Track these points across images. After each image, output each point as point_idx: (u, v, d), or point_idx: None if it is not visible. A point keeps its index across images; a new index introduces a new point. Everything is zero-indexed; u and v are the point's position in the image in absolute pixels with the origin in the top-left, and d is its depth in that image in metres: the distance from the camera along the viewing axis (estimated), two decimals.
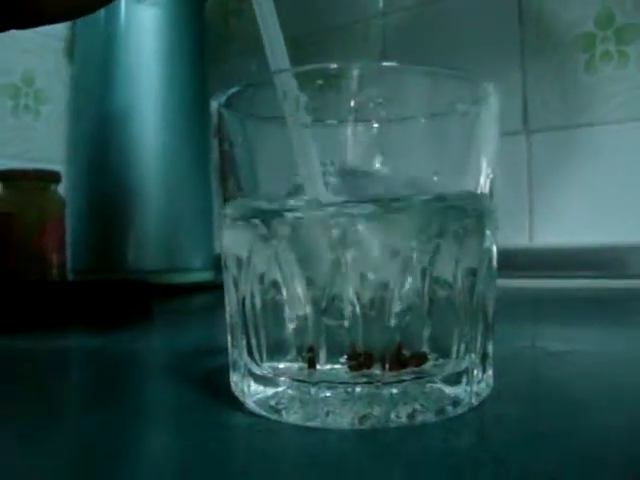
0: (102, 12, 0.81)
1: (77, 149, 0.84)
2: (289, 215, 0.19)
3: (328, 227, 0.19)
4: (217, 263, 0.79)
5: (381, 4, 0.88)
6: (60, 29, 0.90)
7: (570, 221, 0.73)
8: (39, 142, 0.89)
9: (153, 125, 0.79)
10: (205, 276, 0.81)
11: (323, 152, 0.20)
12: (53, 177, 0.69)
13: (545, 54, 0.76)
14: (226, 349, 0.24)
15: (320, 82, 0.19)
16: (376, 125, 0.19)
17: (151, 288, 0.60)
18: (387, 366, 0.20)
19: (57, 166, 0.83)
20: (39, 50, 0.87)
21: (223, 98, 0.21)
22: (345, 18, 0.91)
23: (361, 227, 0.19)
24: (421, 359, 0.21)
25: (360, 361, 0.20)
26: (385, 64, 0.19)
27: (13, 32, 0.33)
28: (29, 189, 0.66)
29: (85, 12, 0.33)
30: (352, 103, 0.18)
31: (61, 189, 0.74)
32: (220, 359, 0.30)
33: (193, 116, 0.83)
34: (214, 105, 0.21)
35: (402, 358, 0.20)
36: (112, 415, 0.22)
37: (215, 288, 0.79)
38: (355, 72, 0.19)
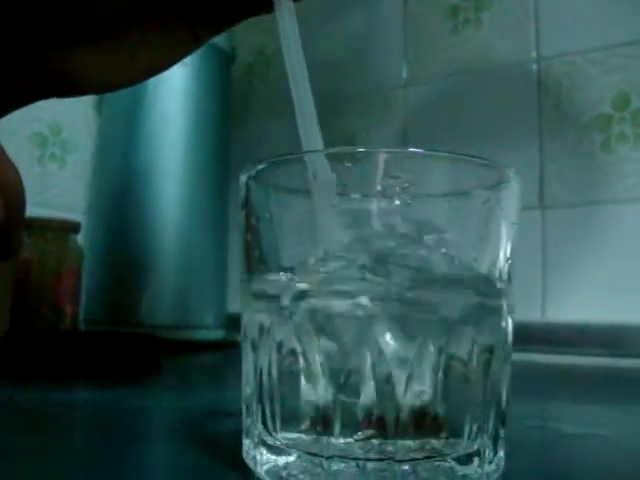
0: None
1: (99, 200, 0.85)
2: (310, 292, 0.20)
3: (347, 308, 0.19)
4: (229, 321, 0.79)
5: (404, 75, 0.91)
6: None
7: (583, 298, 0.73)
8: (62, 191, 0.91)
9: (174, 182, 0.81)
10: (216, 334, 0.82)
11: (346, 228, 0.20)
12: (73, 227, 0.70)
13: (563, 132, 0.77)
14: (236, 412, 0.24)
15: (348, 164, 0.20)
16: (399, 206, 0.20)
17: (162, 344, 0.60)
18: (399, 441, 0.20)
19: (78, 215, 0.85)
20: (68, 101, 0.90)
21: (252, 172, 0.22)
22: (367, 87, 0.94)
23: (380, 309, 0.19)
24: (437, 426, 0.21)
25: (372, 432, 0.20)
26: (411, 150, 0.20)
27: None
28: (49, 238, 0.67)
29: (127, 86, 0.34)
30: (378, 186, 0.19)
31: (80, 239, 0.76)
32: (230, 423, 0.30)
33: (214, 176, 0.85)
34: (243, 179, 0.22)
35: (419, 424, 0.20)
36: (116, 476, 0.22)
37: (226, 347, 0.79)
38: (382, 156, 0.20)
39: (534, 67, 0.80)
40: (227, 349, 0.78)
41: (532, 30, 0.81)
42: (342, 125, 0.94)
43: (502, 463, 0.23)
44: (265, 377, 0.22)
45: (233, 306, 0.87)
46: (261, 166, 0.21)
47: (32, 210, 0.78)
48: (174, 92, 0.83)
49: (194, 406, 0.39)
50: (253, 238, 0.21)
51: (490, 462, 0.22)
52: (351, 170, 0.20)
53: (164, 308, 0.78)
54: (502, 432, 0.23)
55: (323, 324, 0.20)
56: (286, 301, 0.20)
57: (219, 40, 0.87)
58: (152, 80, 0.87)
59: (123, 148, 0.83)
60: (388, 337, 0.20)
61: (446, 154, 0.20)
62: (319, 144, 0.22)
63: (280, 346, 0.21)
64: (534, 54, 0.81)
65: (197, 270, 0.81)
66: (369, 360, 0.20)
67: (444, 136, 0.83)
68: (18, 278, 0.63)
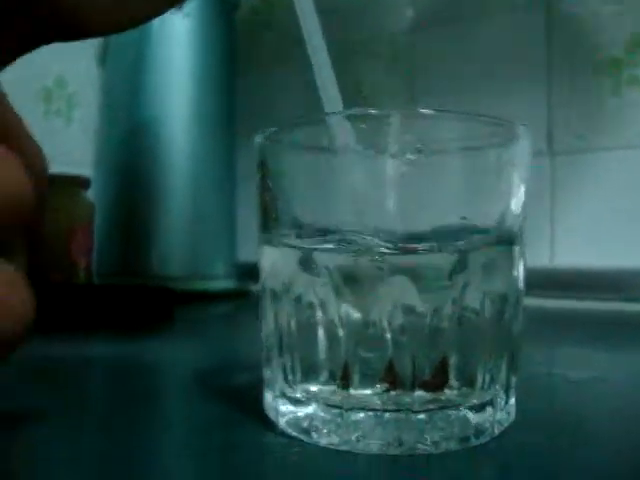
0: None
1: (106, 154, 0.85)
2: (328, 250, 0.20)
3: (365, 262, 0.20)
4: (239, 271, 0.80)
5: (410, 20, 0.89)
6: None
7: (591, 243, 0.74)
8: (70, 146, 0.91)
9: (181, 133, 0.81)
10: (227, 284, 0.83)
11: (361, 186, 0.21)
12: (83, 183, 0.71)
13: (572, 76, 0.76)
14: (253, 364, 0.25)
15: (363, 126, 0.20)
16: (413, 161, 0.20)
17: (175, 295, 0.61)
18: (415, 392, 0.21)
19: (86, 170, 0.85)
20: (72, 54, 0.89)
21: (268, 133, 0.22)
22: (372, 32, 0.92)
23: (396, 263, 0.20)
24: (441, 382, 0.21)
25: (389, 382, 0.21)
26: (423, 111, 0.20)
27: None
28: (60, 193, 0.67)
29: (122, 29, 0.34)
30: (393, 147, 0.20)
31: (90, 193, 0.76)
32: (249, 375, 0.31)
33: (220, 124, 0.85)
34: (258, 140, 0.22)
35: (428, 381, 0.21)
36: (135, 431, 0.23)
37: (237, 296, 0.80)
38: (395, 118, 0.20)
39: (543, 8, 0.79)
40: (239, 298, 0.79)
41: None
42: (347, 71, 0.92)
43: (513, 410, 0.23)
44: (285, 330, 0.22)
45: (243, 255, 0.88)
46: (276, 128, 0.22)
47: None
48: (177, 43, 0.82)
49: (211, 357, 0.40)
50: (269, 198, 0.22)
51: (502, 410, 0.23)
52: (365, 131, 0.20)
53: (175, 259, 0.79)
54: (513, 380, 0.24)
55: (341, 278, 0.20)
56: (304, 258, 0.21)
57: None
58: (155, 31, 0.85)
59: (128, 101, 0.83)
60: (404, 290, 0.20)
61: (458, 114, 0.20)
62: (339, 106, 0.22)
63: (299, 299, 0.22)
64: None
65: (207, 220, 0.82)
66: (386, 313, 0.21)
67: (451, 83, 0.82)
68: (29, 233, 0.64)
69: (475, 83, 0.80)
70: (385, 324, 0.21)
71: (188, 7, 0.83)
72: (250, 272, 0.89)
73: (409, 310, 0.21)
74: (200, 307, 0.71)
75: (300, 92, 0.89)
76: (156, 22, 0.80)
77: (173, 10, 0.83)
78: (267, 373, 0.24)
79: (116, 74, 0.86)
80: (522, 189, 0.22)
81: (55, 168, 0.79)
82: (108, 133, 0.86)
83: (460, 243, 0.21)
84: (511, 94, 0.77)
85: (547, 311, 0.66)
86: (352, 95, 0.78)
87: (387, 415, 0.20)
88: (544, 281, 0.72)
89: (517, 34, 0.80)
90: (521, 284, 0.24)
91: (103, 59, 0.91)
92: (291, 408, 0.22)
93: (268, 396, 0.24)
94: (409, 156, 0.20)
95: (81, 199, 0.70)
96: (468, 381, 0.22)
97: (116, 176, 0.83)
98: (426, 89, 0.86)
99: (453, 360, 0.22)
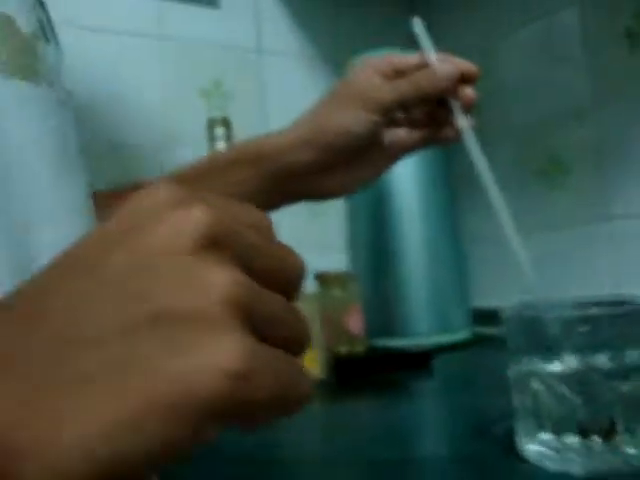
0: None
1: (358, 253, 1.10)
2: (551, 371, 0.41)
3: (574, 378, 0.40)
4: (474, 319, 1.00)
5: (590, 95, 1.03)
6: None
7: None
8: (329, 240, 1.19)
9: (416, 217, 1.02)
10: (467, 333, 1.02)
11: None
12: (351, 277, 0.96)
13: None
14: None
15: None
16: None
17: (430, 356, 0.82)
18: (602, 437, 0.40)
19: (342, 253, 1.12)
20: None
21: (511, 313, 0.43)
22: (558, 106, 1.08)
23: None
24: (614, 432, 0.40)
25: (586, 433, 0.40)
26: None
27: None
28: (337, 286, 0.93)
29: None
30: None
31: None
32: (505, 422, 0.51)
33: (449, 225, 1.06)
34: (507, 314, 0.43)
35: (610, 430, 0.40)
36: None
37: (477, 342, 0.99)
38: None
39: None
40: (479, 344, 0.97)
41: None
42: (544, 143, 1.09)
43: None
44: (527, 401, 0.43)
45: (477, 302, 1.07)
46: (520, 306, 0.43)
47: (308, 254, 1.06)
48: (405, 176, 1.04)
49: (473, 408, 0.60)
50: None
51: None
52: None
53: (423, 318, 1.00)
54: None
55: (555, 381, 0.40)
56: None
57: None
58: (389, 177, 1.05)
59: (371, 206, 1.07)
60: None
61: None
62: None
63: (535, 391, 0.42)
64: None
65: (445, 283, 1.02)
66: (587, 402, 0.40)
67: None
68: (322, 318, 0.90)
69: None
70: (584, 407, 0.40)
71: None
72: (483, 318, 1.06)
73: (594, 392, 0.40)
74: (449, 358, 0.88)
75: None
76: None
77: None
78: (517, 426, 0.44)
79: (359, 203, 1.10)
80: None
81: (320, 251, 1.08)
82: (358, 231, 1.10)
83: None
84: None
85: None
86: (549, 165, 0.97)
87: (587, 453, 0.40)
88: None
89: None
90: None
91: None
92: (532, 447, 0.42)
93: (518, 440, 0.44)
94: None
95: (352, 288, 0.95)
96: (630, 429, 0.40)
97: (367, 265, 1.07)
98: (616, 156, 1.00)
99: (621, 416, 0.40)
